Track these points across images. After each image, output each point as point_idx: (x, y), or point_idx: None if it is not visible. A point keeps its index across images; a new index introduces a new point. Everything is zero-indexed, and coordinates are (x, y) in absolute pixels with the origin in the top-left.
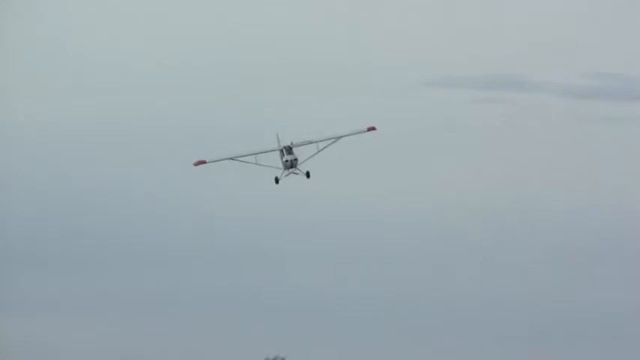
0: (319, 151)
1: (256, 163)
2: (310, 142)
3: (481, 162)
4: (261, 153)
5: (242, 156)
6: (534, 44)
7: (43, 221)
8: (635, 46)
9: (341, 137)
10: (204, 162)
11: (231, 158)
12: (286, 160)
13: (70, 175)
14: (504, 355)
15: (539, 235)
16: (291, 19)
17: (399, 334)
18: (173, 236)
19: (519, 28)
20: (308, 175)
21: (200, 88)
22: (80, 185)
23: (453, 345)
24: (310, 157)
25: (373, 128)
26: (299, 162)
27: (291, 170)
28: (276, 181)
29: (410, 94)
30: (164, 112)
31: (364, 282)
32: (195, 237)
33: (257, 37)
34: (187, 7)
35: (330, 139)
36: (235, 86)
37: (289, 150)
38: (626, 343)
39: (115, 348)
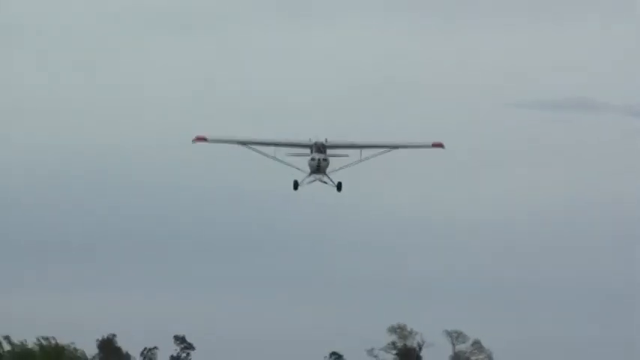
0: (362, 160)
1: (274, 157)
2: (352, 146)
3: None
4: (285, 146)
5: (256, 143)
6: (598, 71)
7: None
8: None
9: (396, 147)
10: (204, 139)
11: (241, 143)
12: (312, 159)
13: None
14: None
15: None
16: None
17: None
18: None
19: (582, 57)
20: (339, 187)
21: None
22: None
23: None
24: (347, 165)
25: (440, 145)
26: (331, 168)
27: (317, 176)
28: (295, 186)
29: (489, 113)
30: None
31: None
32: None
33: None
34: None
35: (379, 146)
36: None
37: (320, 148)
38: None
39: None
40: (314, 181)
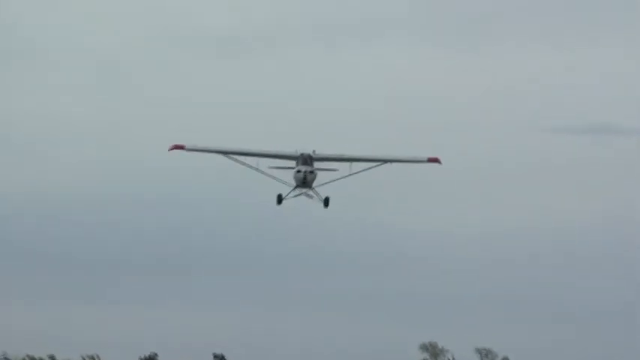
0: (352, 174)
1: (257, 169)
2: (342, 159)
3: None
4: (269, 157)
5: (238, 153)
6: (622, 98)
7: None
8: None
9: (389, 162)
10: (181, 147)
11: (222, 152)
12: (298, 171)
13: None
14: None
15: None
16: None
17: None
18: None
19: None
20: (326, 202)
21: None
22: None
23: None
24: (335, 179)
25: (436, 160)
26: (318, 182)
27: (303, 190)
28: (279, 200)
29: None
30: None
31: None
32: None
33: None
34: None
35: (371, 160)
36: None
37: (307, 160)
38: None
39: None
40: (299, 195)
